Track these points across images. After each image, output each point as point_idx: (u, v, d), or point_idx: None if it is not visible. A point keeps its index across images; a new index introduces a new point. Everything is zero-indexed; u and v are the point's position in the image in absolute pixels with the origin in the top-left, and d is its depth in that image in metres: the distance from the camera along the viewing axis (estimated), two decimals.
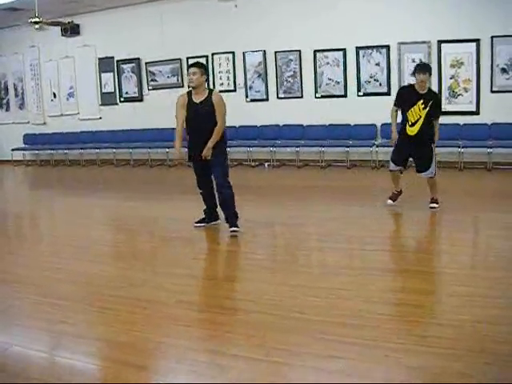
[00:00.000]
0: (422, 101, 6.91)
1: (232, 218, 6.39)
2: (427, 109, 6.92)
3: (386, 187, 6.81)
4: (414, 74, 7.02)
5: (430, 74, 7.14)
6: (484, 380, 3.10)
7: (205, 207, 6.69)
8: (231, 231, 6.31)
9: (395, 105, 7.33)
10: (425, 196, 7.60)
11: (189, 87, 6.49)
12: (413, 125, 7.00)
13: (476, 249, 6.14)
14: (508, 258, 5.35)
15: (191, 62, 12.89)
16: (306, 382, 3.26)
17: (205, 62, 12.92)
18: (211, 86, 12.95)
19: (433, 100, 7.00)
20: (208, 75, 6.61)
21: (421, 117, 6.94)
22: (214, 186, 6.42)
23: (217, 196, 6.46)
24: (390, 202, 7.39)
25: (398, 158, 7.29)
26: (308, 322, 4.03)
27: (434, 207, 7.18)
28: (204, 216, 6.74)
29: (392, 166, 7.38)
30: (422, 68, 7.00)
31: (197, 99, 6.28)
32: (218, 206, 6.60)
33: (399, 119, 7.31)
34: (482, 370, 3.20)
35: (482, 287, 4.52)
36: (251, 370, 3.41)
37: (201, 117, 6.22)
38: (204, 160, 6.27)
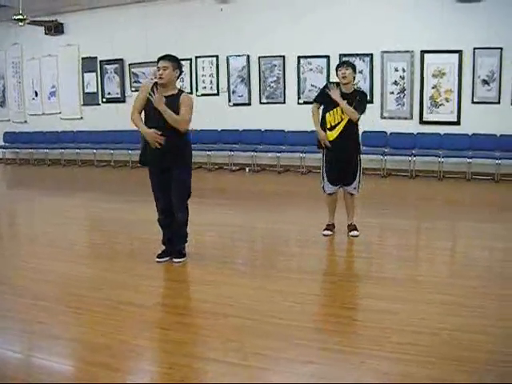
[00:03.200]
0: (345, 102, 6.19)
1: (180, 245, 5.64)
2: None
3: (368, 195, 6.85)
4: (336, 71, 6.35)
5: (355, 71, 6.34)
6: None
7: (163, 237, 5.77)
8: (175, 262, 5.57)
9: (316, 101, 6.51)
10: (405, 204, 7.66)
11: (155, 84, 5.35)
12: (332, 128, 6.29)
13: (454, 257, 6.18)
14: (485, 267, 5.41)
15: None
16: None
17: (188, 66, 12.94)
18: (194, 90, 12.98)
19: (358, 97, 6.30)
20: (181, 72, 5.47)
21: (342, 120, 6.25)
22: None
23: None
24: (327, 232, 6.57)
25: (332, 175, 6.49)
26: (285, 327, 4.03)
27: (356, 235, 6.48)
28: (165, 248, 5.77)
29: (328, 187, 6.53)
30: (344, 62, 6.43)
31: (163, 93, 5.26)
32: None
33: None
34: (458, 377, 3.23)
35: (459, 296, 4.56)
36: (228, 373, 3.40)
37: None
38: (164, 164, 5.41)
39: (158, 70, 5.28)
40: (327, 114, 6.31)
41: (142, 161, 5.58)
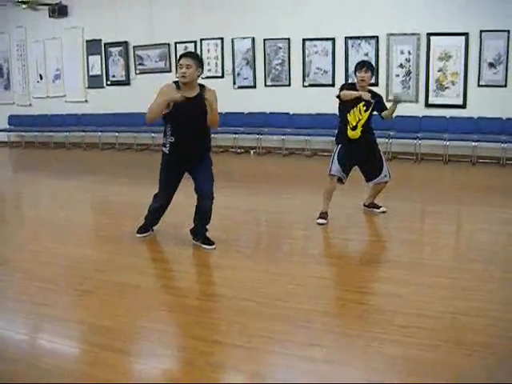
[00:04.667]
0: (363, 102, 6.22)
1: (204, 234, 5.59)
2: (368, 112, 6.29)
3: None
4: (355, 71, 6.31)
5: (373, 74, 6.36)
6: (463, 371, 3.14)
7: (148, 215, 5.93)
8: (207, 248, 5.51)
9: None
10: (410, 188, 7.62)
11: (176, 82, 5.25)
12: (354, 128, 6.30)
13: (458, 241, 6.18)
14: (490, 251, 5.40)
15: (179, 47, 13.06)
16: (285, 368, 3.29)
17: (193, 48, 12.90)
18: None
19: (377, 98, 6.34)
20: (203, 69, 5.31)
21: (360, 120, 6.27)
22: (199, 196, 5.43)
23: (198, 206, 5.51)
24: (322, 221, 6.40)
25: (343, 163, 6.43)
26: (290, 309, 4.05)
27: (385, 210, 6.80)
28: (146, 222, 5.99)
29: (335, 168, 6.45)
30: (364, 65, 6.28)
31: (187, 94, 5.14)
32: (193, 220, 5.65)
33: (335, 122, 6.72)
34: (462, 360, 3.24)
35: (464, 279, 4.56)
36: (232, 355, 3.43)
37: (192, 115, 5.16)
38: (193, 164, 5.38)
39: (181, 68, 5.08)
40: (348, 115, 6.30)
41: (171, 156, 5.39)
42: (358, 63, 6.36)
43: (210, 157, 5.53)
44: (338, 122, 6.54)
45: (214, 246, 5.52)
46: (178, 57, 5.24)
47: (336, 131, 6.65)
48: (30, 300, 4.32)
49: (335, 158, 6.49)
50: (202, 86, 5.28)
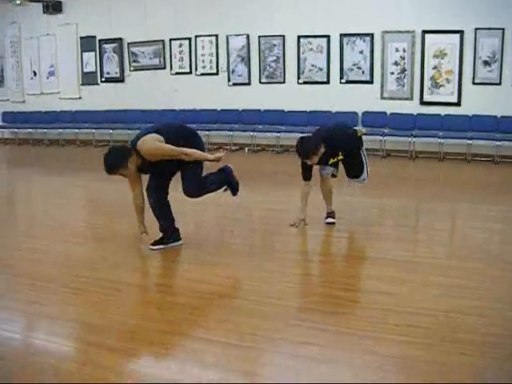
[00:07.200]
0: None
1: (235, 185, 5.54)
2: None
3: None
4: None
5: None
6: (456, 369, 3.13)
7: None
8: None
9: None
10: (405, 185, 7.60)
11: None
12: None
13: (453, 239, 6.18)
14: (484, 249, 5.40)
15: (174, 44, 13.03)
16: (278, 367, 3.27)
17: (188, 45, 12.89)
18: (193, 69, 12.90)
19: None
20: (129, 155, 5.01)
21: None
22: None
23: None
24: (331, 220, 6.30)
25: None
26: (282, 307, 4.03)
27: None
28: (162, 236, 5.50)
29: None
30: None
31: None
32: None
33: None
34: (455, 359, 3.23)
35: (457, 277, 4.55)
36: (224, 354, 3.40)
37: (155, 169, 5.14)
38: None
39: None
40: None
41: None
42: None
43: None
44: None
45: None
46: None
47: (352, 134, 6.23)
48: (21, 298, 4.29)
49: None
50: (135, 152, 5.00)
